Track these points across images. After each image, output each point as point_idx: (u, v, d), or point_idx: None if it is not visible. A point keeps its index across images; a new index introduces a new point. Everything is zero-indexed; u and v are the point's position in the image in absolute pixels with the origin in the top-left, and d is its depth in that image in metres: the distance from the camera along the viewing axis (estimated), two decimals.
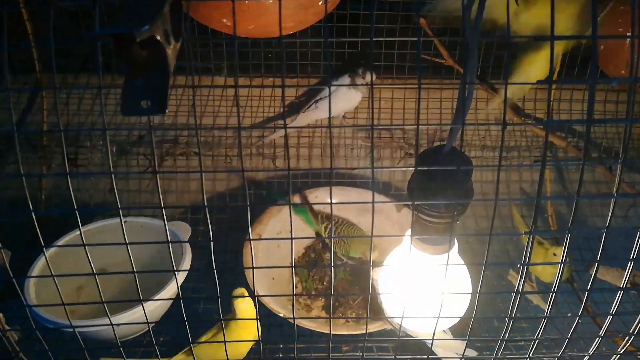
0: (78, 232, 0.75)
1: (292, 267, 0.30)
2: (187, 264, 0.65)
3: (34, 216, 0.30)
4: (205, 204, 0.27)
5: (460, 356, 0.58)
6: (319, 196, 0.84)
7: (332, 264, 0.31)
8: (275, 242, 0.77)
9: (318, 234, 0.82)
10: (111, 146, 0.89)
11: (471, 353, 0.60)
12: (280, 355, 0.61)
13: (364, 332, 0.62)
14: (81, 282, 0.72)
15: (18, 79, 0.90)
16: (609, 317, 0.35)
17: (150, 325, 0.62)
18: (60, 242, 0.69)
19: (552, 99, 0.94)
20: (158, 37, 0.23)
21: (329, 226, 0.77)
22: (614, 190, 0.32)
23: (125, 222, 0.81)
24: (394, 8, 0.82)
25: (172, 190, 0.91)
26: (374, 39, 0.26)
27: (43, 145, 0.87)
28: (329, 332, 0.39)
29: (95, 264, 0.80)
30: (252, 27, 0.56)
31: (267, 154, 0.90)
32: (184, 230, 0.73)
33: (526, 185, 0.94)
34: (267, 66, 0.88)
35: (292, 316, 0.54)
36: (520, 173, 0.95)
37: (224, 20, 0.56)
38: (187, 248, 0.69)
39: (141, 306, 0.41)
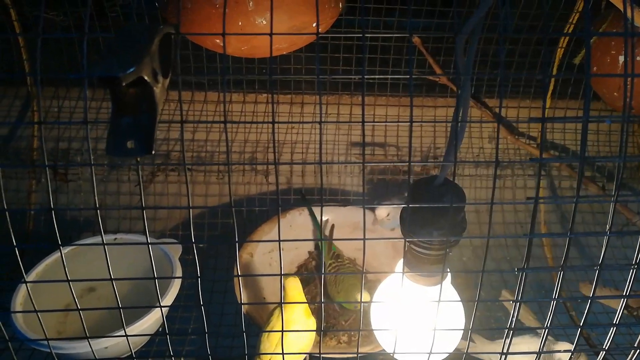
0: (68, 249, 0.73)
1: (280, 303, 0.30)
2: (176, 286, 0.64)
3: (16, 251, 0.29)
4: (194, 241, 0.27)
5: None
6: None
7: (322, 300, 0.31)
8: (267, 261, 0.77)
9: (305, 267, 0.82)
10: (102, 160, 0.88)
11: None
12: None
13: (355, 353, 0.61)
14: (70, 299, 0.71)
15: (9, 92, 0.89)
16: (608, 337, 0.34)
17: (136, 349, 0.61)
18: (49, 260, 0.68)
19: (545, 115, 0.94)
20: (145, 77, 0.23)
21: (334, 264, 0.76)
22: (608, 226, 0.32)
23: (115, 239, 0.80)
24: (388, 27, 0.82)
25: (164, 205, 0.90)
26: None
27: (32, 160, 0.86)
28: (318, 352, 0.38)
29: (86, 282, 0.78)
30: (245, 48, 0.56)
31: (260, 170, 0.89)
32: (175, 249, 0.72)
33: (520, 206, 0.94)
34: (260, 82, 0.88)
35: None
36: (514, 191, 0.95)
37: (217, 41, 0.55)
38: (178, 266, 0.68)
39: (124, 331, 0.40)
